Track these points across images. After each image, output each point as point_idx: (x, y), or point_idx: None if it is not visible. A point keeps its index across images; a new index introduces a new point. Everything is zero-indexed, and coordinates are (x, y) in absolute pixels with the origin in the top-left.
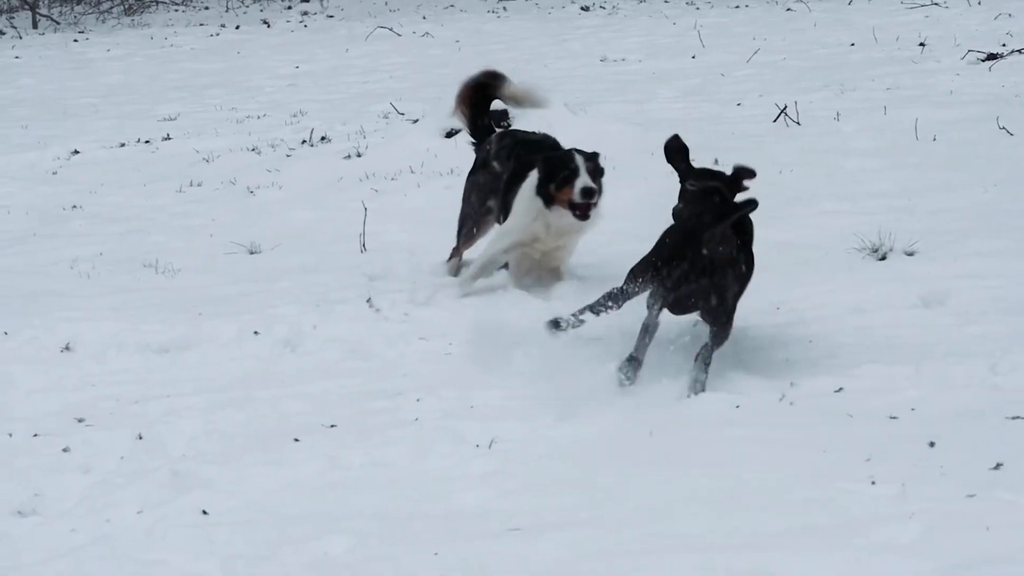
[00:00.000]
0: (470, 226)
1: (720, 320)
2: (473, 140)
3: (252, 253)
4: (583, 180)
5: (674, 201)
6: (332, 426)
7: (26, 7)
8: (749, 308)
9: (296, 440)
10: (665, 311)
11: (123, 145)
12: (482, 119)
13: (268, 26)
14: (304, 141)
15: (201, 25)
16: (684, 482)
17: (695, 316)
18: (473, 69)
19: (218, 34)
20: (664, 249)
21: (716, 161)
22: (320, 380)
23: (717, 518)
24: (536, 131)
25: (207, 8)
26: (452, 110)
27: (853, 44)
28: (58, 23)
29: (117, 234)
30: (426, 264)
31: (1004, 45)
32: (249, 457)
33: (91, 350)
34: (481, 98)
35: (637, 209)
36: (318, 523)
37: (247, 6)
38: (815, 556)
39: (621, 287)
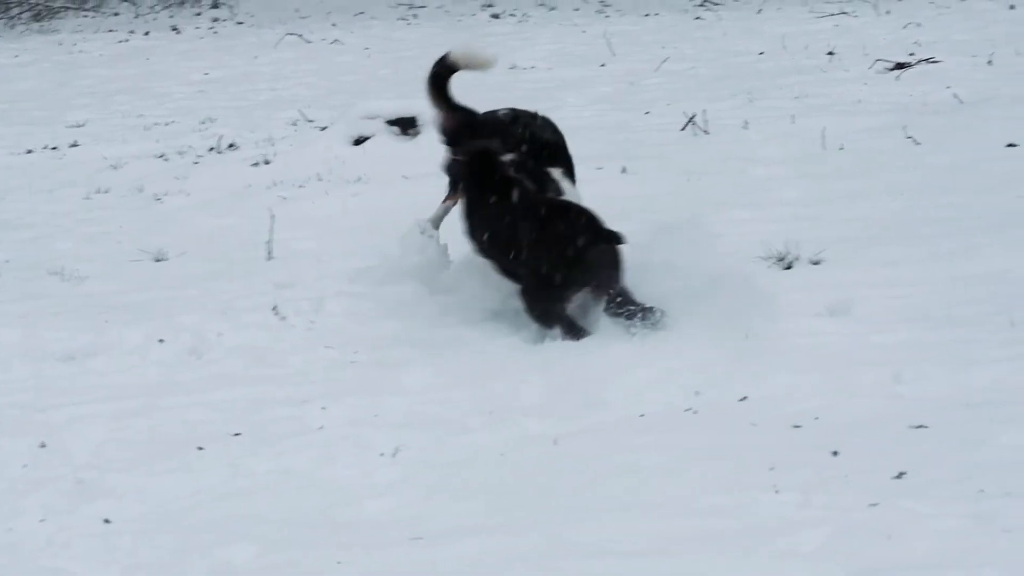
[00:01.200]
0: None
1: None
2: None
3: (158, 260)
4: None
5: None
6: (237, 434)
7: None
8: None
9: (200, 448)
10: None
11: (30, 151)
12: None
13: (177, 32)
14: (212, 148)
15: (110, 31)
16: (590, 489)
17: None
18: (381, 76)
19: (127, 40)
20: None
21: (624, 170)
22: (225, 388)
23: (623, 525)
24: (540, 118)
25: (116, 14)
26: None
27: (762, 53)
28: None
29: (23, 241)
30: (334, 271)
31: (912, 54)
32: (153, 465)
33: None
34: (445, 82)
35: None
36: (222, 531)
37: (156, 12)
38: (722, 562)
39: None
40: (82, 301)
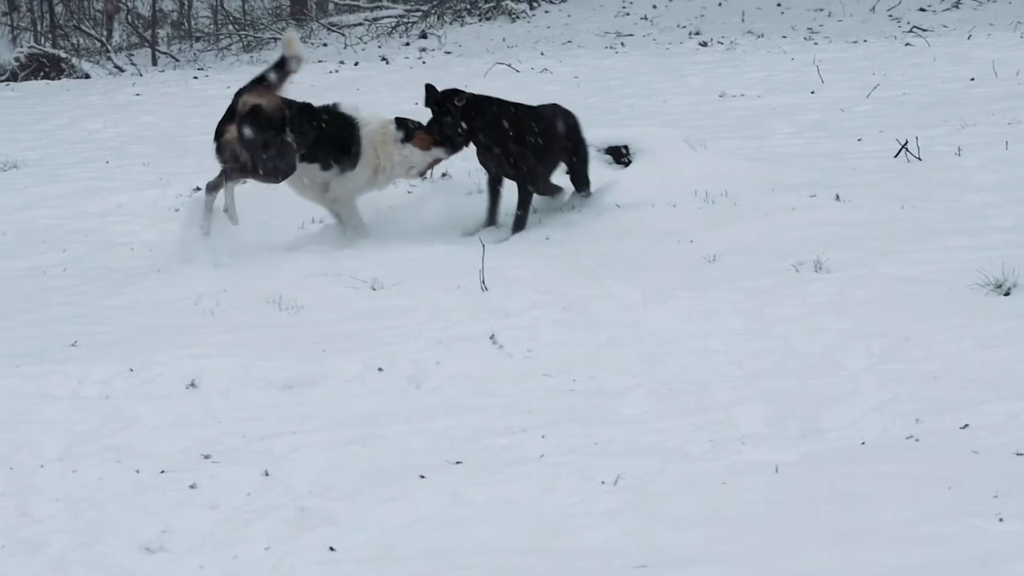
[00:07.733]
0: None
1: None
2: None
3: (374, 289)
4: None
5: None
6: (457, 463)
7: (146, 44)
8: (872, 345)
9: (422, 476)
10: None
11: (244, 182)
12: None
13: (387, 63)
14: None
15: (320, 62)
16: (809, 519)
17: None
18: (591, 105)
19: (337, 71)
20: None
21: (837, 197)
22: (444, 416)
23: (846, 554)
24: None
25: (325, 45)
26: None
27: (973, 79)
28: (177, 60)
29: (241, 270)
30: (548, 300)
31: None
32: (374, 494)
33: (216, 386)
34: None
35: (759, 244)
36: (443, 559)
37: (365, 43)
38: None
39: None
40: (299, 330)
